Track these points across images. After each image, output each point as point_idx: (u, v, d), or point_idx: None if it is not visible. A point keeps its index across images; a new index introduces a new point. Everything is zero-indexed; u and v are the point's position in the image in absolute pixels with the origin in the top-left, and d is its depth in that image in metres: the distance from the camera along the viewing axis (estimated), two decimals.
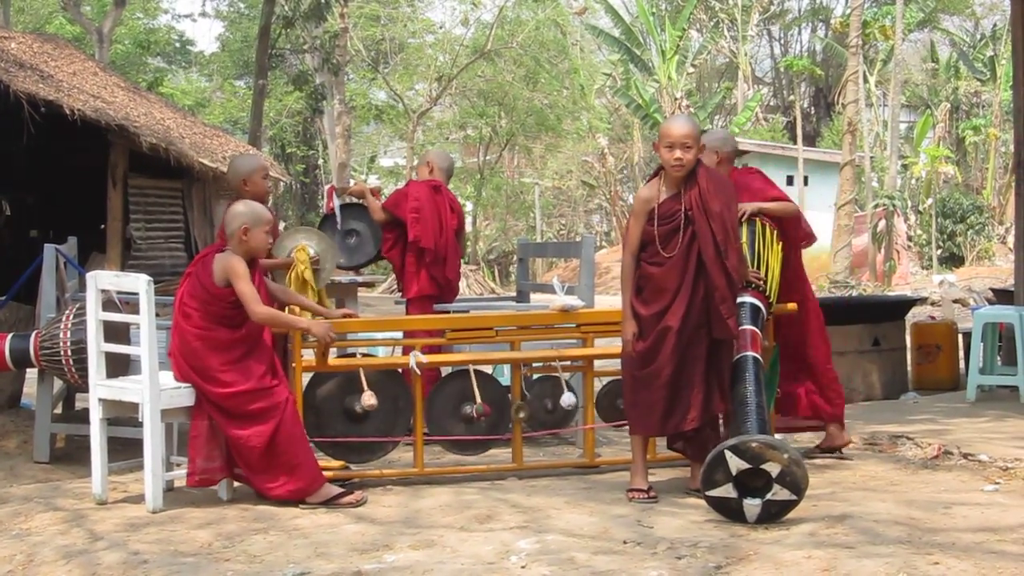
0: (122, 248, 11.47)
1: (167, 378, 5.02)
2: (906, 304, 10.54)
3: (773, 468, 4.33)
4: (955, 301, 16.40)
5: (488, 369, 6.18)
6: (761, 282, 5.26)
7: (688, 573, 3.77)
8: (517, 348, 5.72)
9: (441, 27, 33.27)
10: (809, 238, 5.96)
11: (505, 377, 6.30)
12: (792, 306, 5.67)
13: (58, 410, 6.89)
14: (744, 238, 5.31)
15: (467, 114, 33.21)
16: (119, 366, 5.39)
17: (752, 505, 4.36)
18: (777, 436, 5.04)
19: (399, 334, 6.55)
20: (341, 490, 5.03)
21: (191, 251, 12.16)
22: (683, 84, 30.93)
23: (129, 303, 5.35)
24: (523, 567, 3.89)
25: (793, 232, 5.76)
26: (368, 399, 5.36)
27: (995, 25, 34.33)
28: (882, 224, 25.58)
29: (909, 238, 27.91)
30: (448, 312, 6.65)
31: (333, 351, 5.50)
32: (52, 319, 6.19)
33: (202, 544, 4.32)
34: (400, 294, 7.05)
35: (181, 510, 4.89)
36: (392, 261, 7.01)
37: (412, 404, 5.56)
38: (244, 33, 34.79)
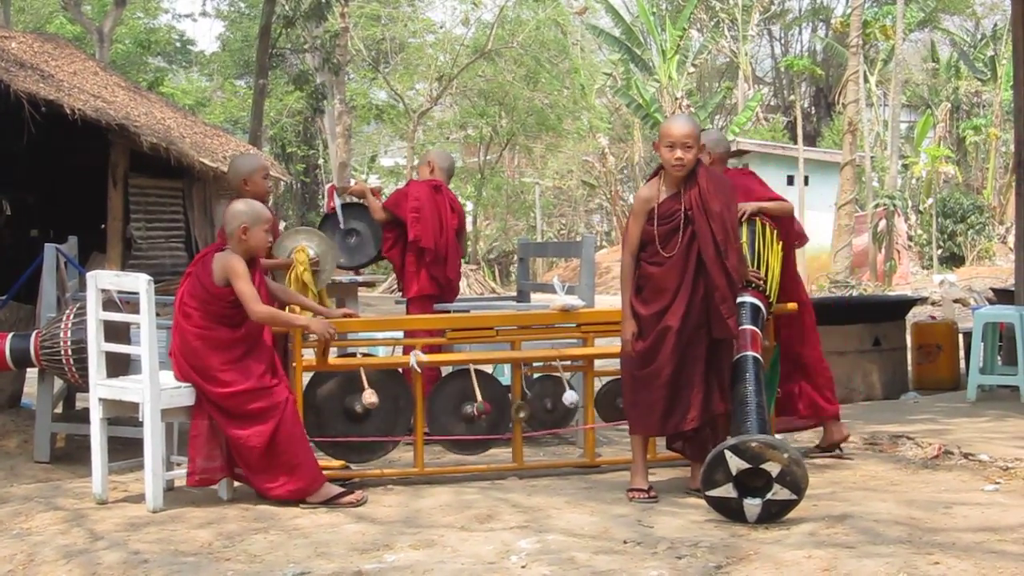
0: (123, 248, 11.47)
1: (167, 378, 5.02)
2: (906, 304, 10.55)
3: (773, 468, 4.33)
4: (955, 301, 16.40)
5: (488, 369, 6.18)
6: (761, 282, 5.26)
7: (688, 573, 3.77)
8: (517, 348, 5.72)
9: (442, 27, 33.32)
10: (801, 238, 5.97)
11: (506, 377, 6.30)
12: (792, 306, 5.68)
13: (58, 410, 6.89)
14: (744, 238, 5.31)
15: (468, 114, 33.22)
16: (119, 366, 5.39)
17: (752, 505, 4.36)
18: (777, 436, 5.03)
19: (399, 334, 6.56)
20: (341, 490, 5.03)
21: (191, 251, 12.17)
22: (683, 84, 30.92)
23: (129, 303, 5.35)
24: (523, 567, 3.89)
25: (787, 232, 5.77)
26: (369, 396, 5.36)
27: (996, 25, 34.33)
28: (882, 224, 25.57)
29: (909, 238, 27.89)
30: (448, 312, 6.65)
31: (333, 351, 5.50)
32: (52, 319, 6.19)
33: (202, 544, 4.32)
34: (400, 294, 7.05)
35: (181, 510, 4.89)
36: (392, 261, 7.01)
37: (412, 404, 5.56)
38: (244, 33, 34.79)
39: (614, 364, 5.52)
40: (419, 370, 5.48)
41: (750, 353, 4.88)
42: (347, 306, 6.55)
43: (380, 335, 6.86)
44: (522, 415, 5.64)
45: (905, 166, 30.49)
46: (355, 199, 7.17)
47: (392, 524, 4.57)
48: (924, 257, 27.69)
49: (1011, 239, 19.98)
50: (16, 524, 4.74)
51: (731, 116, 35.61)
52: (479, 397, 5.57)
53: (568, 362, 5.82)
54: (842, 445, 5.98)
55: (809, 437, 6.27)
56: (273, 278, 5.64)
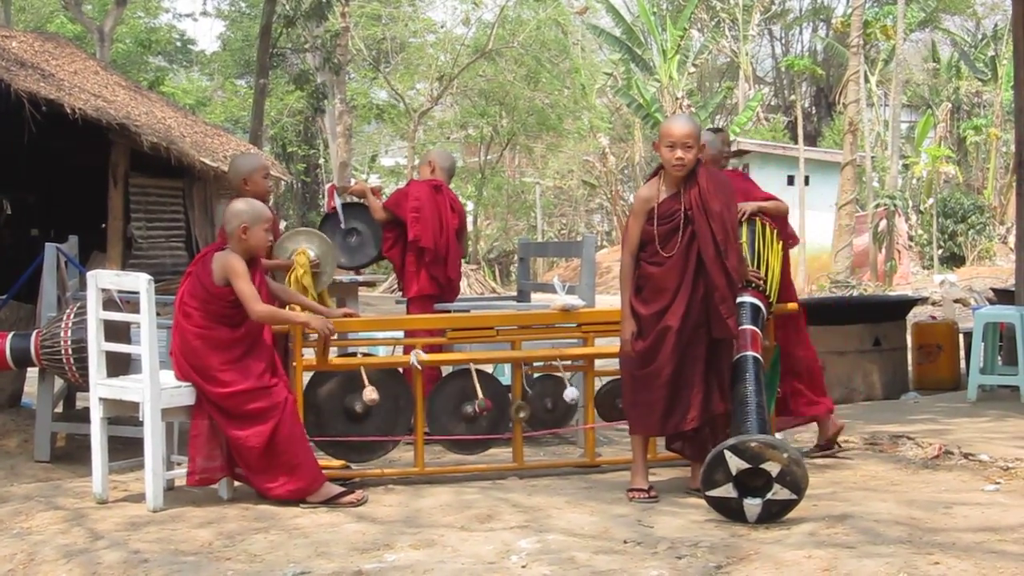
0: (123, 247, 11.47)
1: (168, 377, 5.02)
2: (907, 304, 10.55)
3: (773, 467, 4.33)
4: (956, 301, 16.40)
5: (489, 368, 6.18)
6: (761, 281, 5.26)
7: (689, 573, 3.77)
8: (518, 348, 5.72)
9: (442, 26, 33.34)
10: (793, 239, 5.97)
11: (506, 376, 6.30)
12: (793, 306, 5.68)
13: (59, 409, 6.89)
14: (744, 237, 5.30)
15: (468, 113, 33.24)
16: (120, 365, 5.39)
17: (752, 505, 4.36)
18: (777, 435, 5.03)
19: (400, 333, 6.56)
20: (342, 489, 5.03)
21: (192, 250, 12.17)
22: (684, 84, 30.93)
23: (130, 302, 5.35)
24: (524, 567, 3.89)
25: (782, 232, 5.77)
26: (370, 393, 5.35)
27: (996, 25, 34.33)
28: (883, 224, 25.58)
29: (910, 238, 27.90)
30: (449, 312, 6.65)
31: (334, 350, 5.50)
32: (53, 318, 6.20)
33: (203, 543, 4.32)
34: (401, 293, 7.05)
35: (182, 509, 4.89)
36: (392, 260, 7.02)
37: (413, 403, 5.56)
38: (245, 32, 34.81)
39: (615, 364, 5.52)
40: (419, 367, 5.48)
41: (750, 353, 4.87)
42: (348, 306, 6.55)
43: (380, 335, 6.86)
44: (522, 415, 5.64)
45: (906, 166, 30.50)
46: (356, 199, 7.17)
47: (392, 524, 4.57)
48: (924, 257, 27.69)
49: (1011, 239, 19.96)
50: (16, 523, 4.73)
51: (732, 116, 35.62)
52: (480, 394, 5.56)
53: (568, 362, 5.82)
54: (840, 443, 5.97)
55: (809, 437, 6.26)
56: (273, 278, 5.64)
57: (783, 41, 44.96)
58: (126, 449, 5.91)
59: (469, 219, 27.58)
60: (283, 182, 18.29)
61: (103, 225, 11.63)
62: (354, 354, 5.84)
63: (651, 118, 28.98)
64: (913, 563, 3.74)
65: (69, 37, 19.14)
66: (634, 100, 29.92)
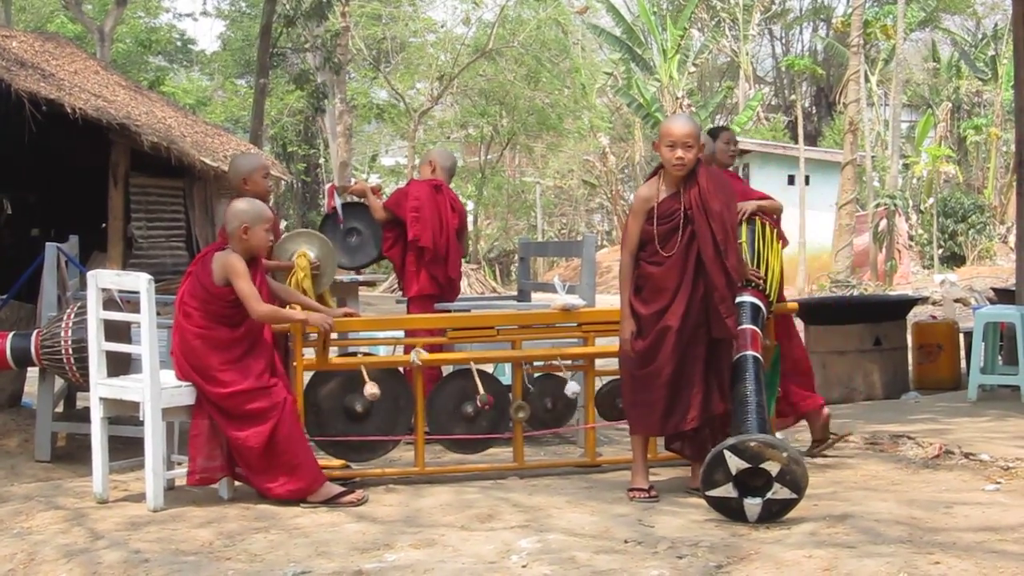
0: (123, 247, 11.46)
1: (168, 377, 5.02)
2: (907, 304, 10.55)
3: (773, 467, 4.33)
4: (956, 300, 16.41)
5: (489, 368, 6.18)
6: (761, 281, 5.25)
7: (689, 572, 3.77)
8: (518, 347, 5.71)
9: (442, 26, 33.33)
10: (782, 239, 5.97)
11: (506, 376, 6.30)
12: (793, 305, 5.68)
13: (59, 409, 6.89)
14: (744, 237, 5.30)
15: (468, 113, 33.24)
16: (120, 365, 5.39)
17: (753, 504, 4.36)
18: (777, 435, 5.03)
19: (400, 333, 6.56)
20: (342, 489, 5.03)
21: (192, 250, 12.16)
22: (684, 83, 30.95)
23: (130, 302, 5.35)
24: (524, 566, 3.88)
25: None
26: (371, 388, 5.34)
27: (996, 25, 34.34)
28: (883, 223, 25.58)
29: (910, 237, 27.90)
30: (449, 311, 6.65)
31: (334, 350, 5.50)
32: (53, 318, 6.20)
33: (203, 543, 4.32)
34: (401, 293, 7.05)
35: (182, 509, 4.89)
36: (392, 260, 7.02)
37: (413, 403, 5.56)
38: (245, 32, 34.82)
39: (615, 363, 5.52)
40: (419, 363, 5.47)
41: (750, 353, 4.87)
42: (348, 305, 6.55)
43: (381, 334, 6.86)
44: (521, 415, 5.64)
45: (906, 166, 30.50)
46: (356, 198, 7.17)
47: (393, 523, 4.57)
48: (925, 257, 27.69)
49: (1012, 239, 19.96)
50: (17, 523, 4.74)
51: (732, 116, 35.63)
52: (481, 389, 5.55)
53: (569, 361, 5.81)
54: (833, 433, 5.95)
55: (808, 437, 6.25)
56: (274, 278, 5.64)
57: (783, 41, 44.98)
58: (126, 449, 5.92)
59: (469, 219, 27.57)
60: (283, 182, 18.29)
61: (103, 225, 11.62)
62: (355, 354, 5.84)
63: (651, 118, 28.99)
64: (914, 563, 3.73)
65: (69, 37, 19.12)
66: (634, 100, 29.93)
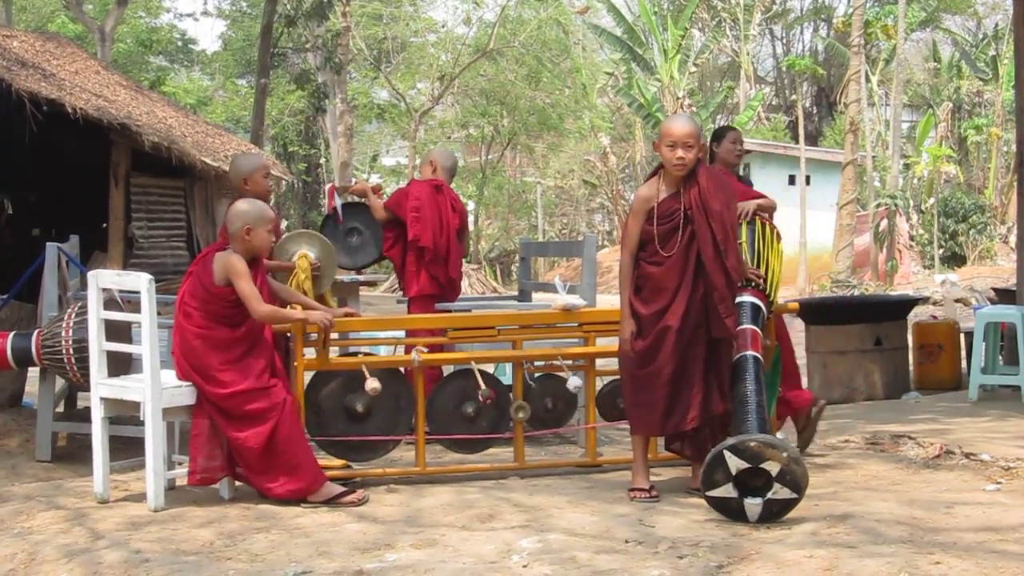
0: (124, 247, 11.46)
1: (169, 377, 5.02)
2: (908, 303, 10.55)
3: (773, 467, 4.33)
4: (957, 300, 16.42)
5: (490, 368, 6.18)
6: (761, 280, 5.25)
7: (690, 572, 3.77)
8: (519, 347, 5.71)
9: (443, 26, 33.34)
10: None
11: (507, 376, 6.30)
12: (794, 305, 5.68)
13: (60, 409, 6.90)
14: (744, 237, 5.30)
15: (469, 113, 33.25)
16: (121, 365, 5.39)
17: (753, 504, 4.36)
18: (777, 435, 5.03)
19: (401, 333, 6.55)
20: (343, 489, 5.02)
21: (193, 250, 12.16)
22: (685, 83, 30.97)
23: (131, 302, 5.35)
24: (525, 566, 3.88)
25: None
26: (372, 383, 5.33)
27: (997, 25, 34.35)
28: (884, 224, 25.58)
29: (911, 237, 27.91)
30: (450, 311, 6.65)
31: (335, 350, 5.50)
32: (54, 318, 6.20)
33: (204, 543, 4.32)
34: (402, 293, 7.05)
35: (183, 509, 4.89)
36: (393, 260, 7.02)
37: (414, 403, 5.56)
38: (246, 32, 34.83)
39: (616, 363, 5.52)
40: (419, 360, 5.46)
41: (750, 352, 4.87)
42: (349, 305, 6.55)
43: (381, 334, 6.86)
44: (521, 415, 5.63)
45: (907, 166, 30.50)
46: (357, 198, 7.17)
47: (393, 523, 4.57)
48: (925, 257, 27.70)
49: (1012, 239, 19.98)
50: (17, 523, 4.74)
51: (733, 116, 35.63)
52: (483, 385, 5.55)
53: (570, 361, 5.81)
54: (814, 410, 5.94)
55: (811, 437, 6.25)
56: (274, 278, 5.64)
57: (784, 41, 44.99)
58: (127, 449, 5.92)
59: (470, 219, 27.61)
60: (284, 182, 18.29)
61: (104, 225, 11.63)
62: (355, 354, 5.83)
63: (652, 118, 29.01)
64: (914, 563, 3.73)
65: (70, 37, 19.14)
66: (635, 100, 29.95)
